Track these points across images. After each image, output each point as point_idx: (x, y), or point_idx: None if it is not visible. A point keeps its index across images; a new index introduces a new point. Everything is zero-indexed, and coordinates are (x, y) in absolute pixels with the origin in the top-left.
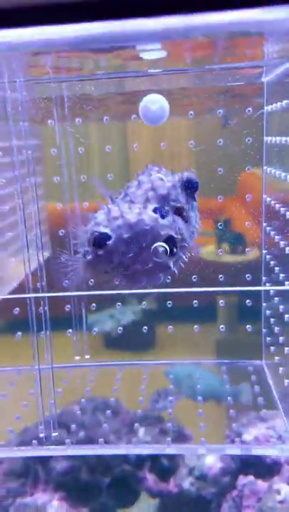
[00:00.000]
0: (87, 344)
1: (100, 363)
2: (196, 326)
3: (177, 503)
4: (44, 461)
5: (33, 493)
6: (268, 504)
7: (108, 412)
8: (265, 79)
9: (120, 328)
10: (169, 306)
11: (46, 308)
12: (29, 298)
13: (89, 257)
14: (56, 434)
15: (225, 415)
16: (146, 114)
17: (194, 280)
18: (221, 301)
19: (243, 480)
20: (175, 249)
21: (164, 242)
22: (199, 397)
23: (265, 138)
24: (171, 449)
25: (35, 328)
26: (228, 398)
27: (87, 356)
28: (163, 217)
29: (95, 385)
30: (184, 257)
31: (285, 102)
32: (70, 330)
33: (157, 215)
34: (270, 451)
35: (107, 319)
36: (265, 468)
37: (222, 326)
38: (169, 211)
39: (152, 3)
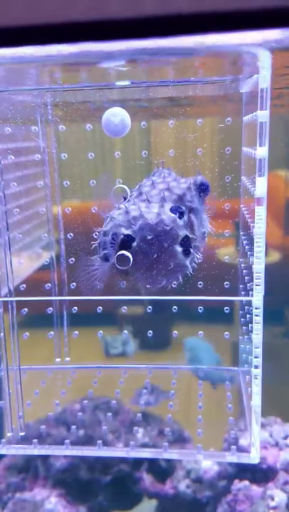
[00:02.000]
0: (68, 346)
1: (78, 365)
2: (175, 332)
3: (172, 504)
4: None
5: (32, 489)
6: (259, 510)
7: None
8: (242, 90)
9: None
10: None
11: (14, 311)
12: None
13: (113, 260)
14: (23, 433)
15: (223, 419)
16: (108, 127)
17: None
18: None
19: (238, 484)
20: (191, 249)
21: (180, 242)
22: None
23: (243, 148)
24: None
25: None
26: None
27: (68, 359)
28: (180, 217)
29: (73, 386)
30: (197, 257)
31: (254, 113)
32: (52, 332)
33: (175, 216)
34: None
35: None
36: (260, 473)
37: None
38: (185, 211)
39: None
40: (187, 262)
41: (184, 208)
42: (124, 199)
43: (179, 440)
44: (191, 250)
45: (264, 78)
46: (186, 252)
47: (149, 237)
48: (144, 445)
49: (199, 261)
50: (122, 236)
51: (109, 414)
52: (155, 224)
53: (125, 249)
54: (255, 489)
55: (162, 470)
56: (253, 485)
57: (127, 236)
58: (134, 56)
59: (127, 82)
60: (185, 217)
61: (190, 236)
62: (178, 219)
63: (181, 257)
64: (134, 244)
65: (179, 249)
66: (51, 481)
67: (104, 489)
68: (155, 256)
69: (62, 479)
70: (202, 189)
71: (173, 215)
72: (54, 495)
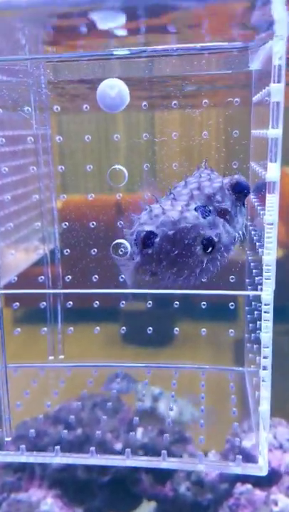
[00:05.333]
0: (62, 343)
1: (73, 364)
2: (176, 329)
3: (172, 507)
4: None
5: (28, 489)
6: None
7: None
8: (252, 67)
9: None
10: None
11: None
12: None
13: (137, 259)
14: (9, 439)
15: (227, 418)
16: (103, 101)
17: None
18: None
19: (240, 488)
20: (211, 249)
21: (202, 241)
22: None
23: (252, 131)
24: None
25: None
26: None
27: (62, 356)
28: (204, 216)
29: (66, 386)
30: (221, 259)
31: (266, 88)
32: (45, 328)
33: (198, 214)
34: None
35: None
36: (264, 477)
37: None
38: (212, 212)
39: None
40: (209, 263)
41: (210, 208)
42: (157, 200)
43: (180, 441)
44: (213, 251)
45: (279, 43)
46: (208, 252)
47: (170, 233)
48: (144, 446)
49: (224, 263)
50: (144, 232)
51: (108, 412)
52: (177, 221)
53: (148, 246)
54: (258, 493)
55: (162, 471)
56: (256, 489)
57: (150, 232)
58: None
59: (126, 52)
60: (210, 218)
61: (213, 237)
62: (201, 218)
63: (202, 257)
64: (157, 239)
65: (200, 248)
66: (47, 481)
67: (102, 490)
68: (176, 252)
69: (59, 479)
70: (238, 190)
71: (196, 213)
72: (50, 496)
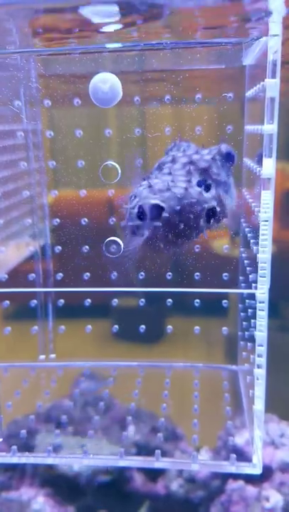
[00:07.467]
0: (53, 342)
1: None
2: (170, 326)
3: (164, 505)
4: None
5: (19, 488)
6: None
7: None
8: (246, 62)
9: None
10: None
11: None
12: None
13: (145, 232)
14: (1, 439)
15: (219, 415)
16: (95, 95)
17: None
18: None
19: (232, 484)
20: (212, 220)
21: (206, 213)
22: None
23: (245, 127)
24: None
25: None
26: None
27: (53, 355)
28: (207, 190)
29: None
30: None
31: (261, 84)
32: (36, 327)
33: (201, 189)
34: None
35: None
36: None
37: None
38: (212, 184)
39: None
40: (205, 232)
41: (210, 182)
42: (146, 178)
43: (172, 438)
44: (212, 222)
45: (274, 38)
46: (209, 223)
47: (177, 208)
48: (136, 443)
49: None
50: (150, 204)
51: (100, 410)
52: (182, 197)
53: (156, 218)
54: (250, 489)
55: (154, 469)
56: (248, 485)
57: (156, 205)
58: None
59: (118, 45)
60: (213, 191)
61: (217, 208)
62: (204, 192)
63: (203, 227)
64: (165, 214)
65: (204, 220)
66: (39, 480)
67: (94, 488)
68: (181, 227)
69: (50, 478)
70: (228, 159)
71: (199, 188)
72: (41, 494)
